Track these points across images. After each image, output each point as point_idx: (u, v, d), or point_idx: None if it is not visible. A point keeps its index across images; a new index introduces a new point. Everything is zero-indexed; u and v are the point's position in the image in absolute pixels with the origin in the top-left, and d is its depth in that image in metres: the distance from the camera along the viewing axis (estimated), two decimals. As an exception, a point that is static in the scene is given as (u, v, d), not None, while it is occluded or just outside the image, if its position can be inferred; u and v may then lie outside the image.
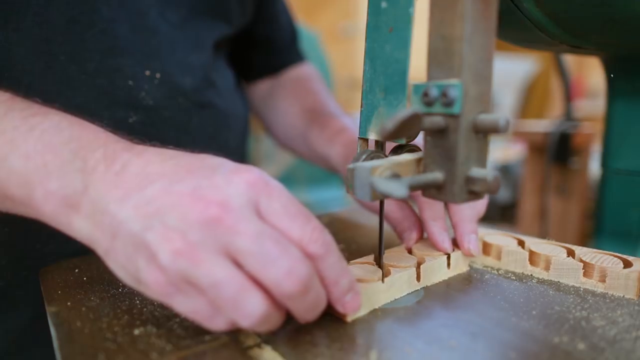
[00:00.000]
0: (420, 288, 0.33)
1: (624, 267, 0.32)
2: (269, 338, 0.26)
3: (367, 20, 0.30)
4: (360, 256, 0.35)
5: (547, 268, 0.34)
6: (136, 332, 0.27)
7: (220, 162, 0.26)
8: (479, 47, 0.25)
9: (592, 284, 0.33)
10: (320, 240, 0.25)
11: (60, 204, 0.27)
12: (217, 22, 0.53)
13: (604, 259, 0.33)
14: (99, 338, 0.26)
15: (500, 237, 0.39)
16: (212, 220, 0.23)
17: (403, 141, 0.30)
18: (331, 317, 0.29)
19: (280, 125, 0.65)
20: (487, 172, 0.25)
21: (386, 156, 0.30)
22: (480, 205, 0.38)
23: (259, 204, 0.25)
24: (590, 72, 2.69)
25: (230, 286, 0.23)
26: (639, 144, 0.46)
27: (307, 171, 1.79)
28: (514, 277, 0.35)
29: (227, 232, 0.23)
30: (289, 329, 0.27)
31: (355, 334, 0.27)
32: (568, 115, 0.90)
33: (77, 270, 0.37)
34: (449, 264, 0.35)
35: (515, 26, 0.40)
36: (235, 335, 0.27)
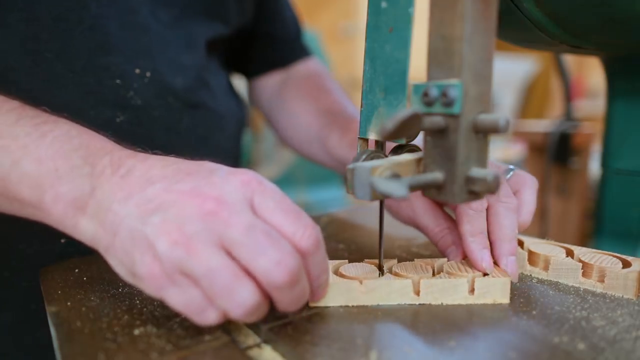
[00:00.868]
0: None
1: (623, 267, 0.32)
2: (269, 338, 0.26)
3: (367, 20, 0.30)
4: (360, 256, 0.35)
5: (546, 268, 0.34)
6: (136, 332, 0.27)
7: (218, 166, 0.28)
8: (479, 47, 0.25)
9: (591, 284, 0.33)
10: (312, 236, 0.26)
11: (69, 206, 0.28)
12: (212, 21, 0.52)
13: (603, 259, 0.33)
14: (99, 338, 0.26)
15: None
16: (208, 213, 0.25)
17: (403, 141, 0.30)
18: (331, 317, 0.29)
19: (292, 127, 0.61)
20: (487, 172, 0.25)
21: (386, 156, 0.30)
22: (522, 221, 0.34)
23: (253, 200, 0.26)
24: (590, 72, 2.69)
25: (223, 274, 0.24)
26: (639, 144, 0.46)
27: (307, 171, 1.79)
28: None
29: (222, 224, 0.24)
30: (289, 329, 0.27)
31: (355, 334, 0.27)
32: (568, 115, 0.90)
33: (77, 270, 0.37)
34: (472, 289, 0.30)
35: (515, 26, 0.40)
36: (235, 335, 0.27)
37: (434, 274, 0.32)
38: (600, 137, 0.51)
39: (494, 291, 0.30)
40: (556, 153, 0.87)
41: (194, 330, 0.27)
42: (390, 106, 0.29)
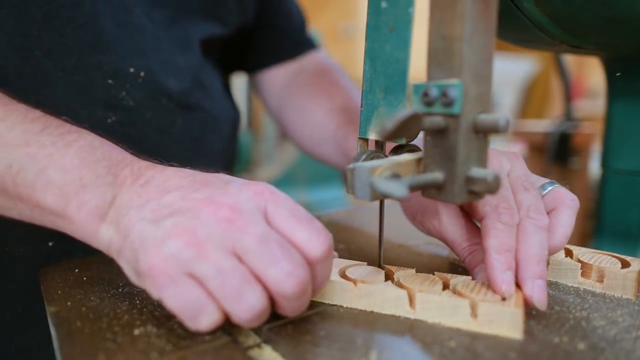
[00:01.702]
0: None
1: (622, 267, 0.32)
2: (269, 338, 0.26)
3: (367, 20, 0.30)
4: (360, 256, 0.35)
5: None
6: (136, 332, 0.27)
7: (233, 178, 0.29)
8: (479, 47, 0.25)
9: (590, 284, 0.33)
10: (323, 245, 0.26)
11: (91, 214, 0.29)
12: (208, 22, 0.51)
13: (602, 259, 0.33)
14: (99, 338, 0.26)
15: None
16: (223, 219, 0.25)
17: (403, 141, 0.30)
18: (331, 317, 0.29)
19: (304, 126, 0.57)
20: (487, 172, 0.25)
21: (386, 156, 0.30)
22: (553, 244, 0.31)
23: (266, 209, 0.27)
24: (590, 72, 2.69)
25: (235, 276, 0.24)
26: (639, 144, 0.46)
27: (307, 171, 1.80)
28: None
29: (236, 232, 0.25)
30: (289, 329, 0.27)
31: (355, 334, 0.27)
32: (568, 115, 0.90)
33: (77, 270, 0.37)
34: (474, 312, 0.27)
35: (515, 26, 0.40)
36: (235, 335, 0.27)
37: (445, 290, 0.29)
38: (600, 137, 0.51)
39: (501, 322, 0.26)
40: (556, 153, 0.87)
41: (194, 330, 0.27)
42: (390, 106, 0.29)
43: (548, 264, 0.34)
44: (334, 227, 0.49)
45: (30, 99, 0.34)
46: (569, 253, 0.35)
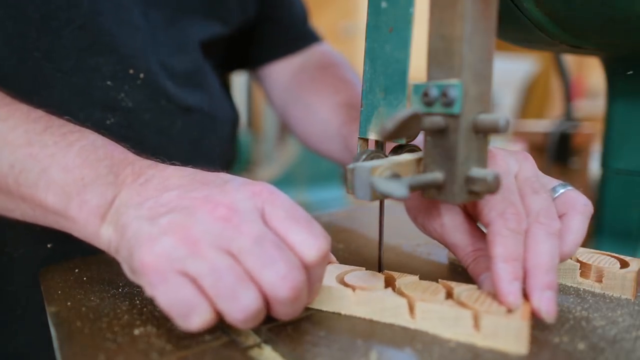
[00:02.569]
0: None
1: (621, 268, 0.32)
2: (269, 338, 0.26)
3: (367, 20, 0.30)
4: (360, 256, 0.35)
5: None
6: (136, 332, 0.27)
7: (233, 177, 0.29)
8: (479, 47, 0.25)
9: (588, 284, 0.33)
10: (320, 249, 0.25)
11: (92, 214, 0.29)
12: (209, 22, 0.50)
13: (600, 259, 0.33)
14: (99, 338, 0.26)
15: None
16: (219, 218, 0.25)
17: (403, 141, 0.30)
18: (331, 317, 0.29)
19: (309, 122, 0.56)
20: (487, 172, 0.25)
21: (386, 156, 0.30)
22: (563, 252, 0.29)
23: (264, 210, 0.26)
24: (590, 72, 2.69)
25: (230, 275, 0.24)
26: (639, 144, 0.46)
27: (307, 171, 1.79)
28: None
29: (232, 231, 0.24)
30: (289, 329, 0.27)
31: (355, 334, 0.27)
32: (568, 115, 0.90)
33: (77, 270, 0.37)
34: (477, 324, 0.25)
35: (515, 26, 0.40)
36: (235, 335, 0.27)
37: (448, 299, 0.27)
38: (600, 137, 0.51)
39: (505, 335, 0.25)
40: (556, 153, 0.88)
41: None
42: (390, 106, 0.29)
43: None
44: (333, 227, 0.49)
45: (29, 101, 0.34)
46: None
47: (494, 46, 0.26)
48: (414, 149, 0.31)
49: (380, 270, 0.33)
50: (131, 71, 0.44)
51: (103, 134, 0.33)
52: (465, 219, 0.31)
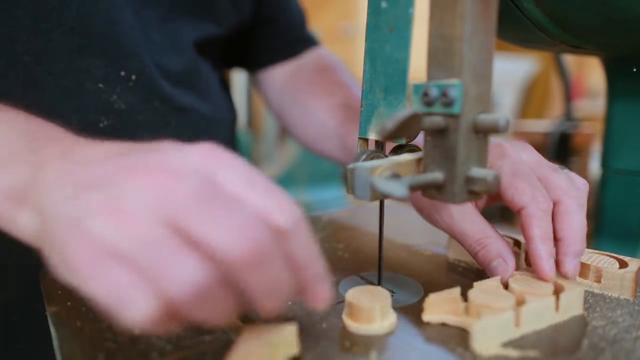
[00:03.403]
0: (422, 288, 0.33)
1: (620, 268, 0.32)
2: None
3: (367, 20, 0.30)
4: (361, 256, 0.35)
5: None
6: (136, 332, 0.27)
7: (175, 144, 0.24)
8: (479, 47, 0.25)
9: (587, 284, 0.33)
10: (288, 212, 0.21)
11: (5, 197, 0.25)
12: (201, 22, 0.50)
13: (599, 259, 0.33)
14: (99, 338, 0.26)
15: None
16: (152, 185, 0.20)
17: (403, 141, 0.30)
18: (332, 315, 0.29)
19: (306, 123, 0.57)
20: (487, 172, 0.25)
21: (386, 156, 0.30)
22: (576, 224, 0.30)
23: (214, 175, 0.21)
24: (590, 72, 2.69)
25: (161, 247, 0.19)
26: (639, 144, 0.46)
27: (307, 171, 1.80)
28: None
29: (166, 196, 0.20)
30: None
31: (355, 334, 0.27)
32: (568, 115, 0.90)
33: (77, 270, 0.37)
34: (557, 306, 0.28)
35: (515, 26, 0.40)
36: (235, 335, 0.27)
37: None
38: (600, 137, 0.51)
39: (574, 304, 0.28)
40: (556, 153, 0.88)
41: (194, 331, 0.27)
42: (390, 106, 0.29)
43: None
44: (334, 227, 0.49)
45: (20, 103, 0.33)
46: None
47: (494, 46, 0.26)
48: (414, 149, 0.31)
49: (380, 270, 0.33)
50: (123, 73, 0.43)
51: (97, 137, 0.32)
52: (472, 208, 0.32)
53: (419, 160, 0.28)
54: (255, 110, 2.25)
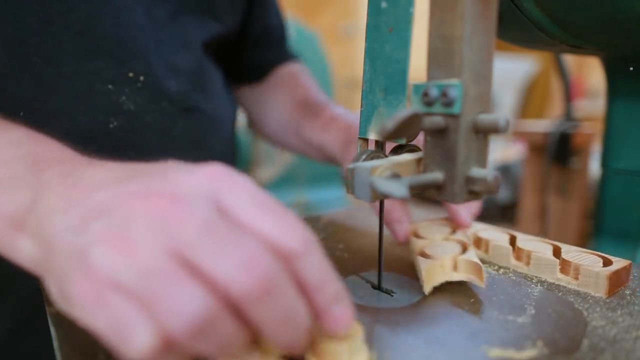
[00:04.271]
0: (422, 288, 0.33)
1: (604, 266, 0.33)
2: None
3: (367, 20, 0.30)
4: (361, 256, 0.35)
5: (528, 263, 0.36)
6: None
7: (180, 165, 0.23)
8: (479, 47, 0.25)
9: (567, 280, 0.33)
10: (298, 234, 0.20)
11: (4, 222, 0.24)
12: (206, 19, 0.51)
13: (584, 258, 0.34)
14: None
15: (494, 232, 0.40)
16: (158, 213, 0.19)
17: (403, 141, 0.30)
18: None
19: (269, 119, 0.64)
20: (487, 172, 0.25)
21: (386, 156, 0.30)
22: None
23: (222, 199, 0.21)
24: (590, 72, 2.69)
25: (163, 277, 0.18)
26: (639, 144, 0.46)
27: (307, 171, 1.79)
28: (513, 277, 0.35)
29: (173, 225, 0.19)
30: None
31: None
32: (568, 115, 0.90)
33: (77, 270, 0.37)
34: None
35: (515, 26, 0.40)
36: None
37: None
38: (600, 137, 0.51)
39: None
40: (556, 153, 0.87)
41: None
42: (390, 106, 0.29)
43: (529, 258, 0.36)
44: (334, 226, 0.49)
45: (31, 106, 0.33)
46: (557, 250, 0.36)
47: (494, 46, 0.26)
48: (414, 149, 0.31)
49: (380, 270, 0.33)
50: (131, 74, 0.44)
51: (106, 138, 0.32)
52: None
53: (419, 160, 0.28)
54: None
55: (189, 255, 0.19)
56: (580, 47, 0.42)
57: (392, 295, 0.32)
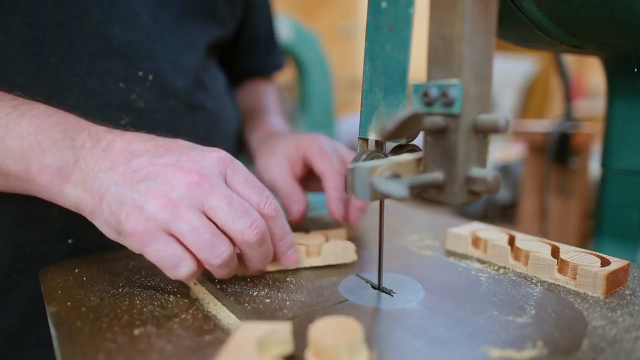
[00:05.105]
0: (421, 288, 0.33)
1: (602, 266, 0.33)
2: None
3: (367, 20, 0.30)
4: (361, 256, 0.35)
5: (526, 263, 0.36)
6: (136, 332, 0.27)
7: (192, 144, 0.34)
8: (479, 47, 0.25)
9: (565, 280, 0.33)
10: (272, 205, 0.32)
11: (54, 175, 0.32)
12: (209, 23, 0.53)
13: (582, 258, 0.34)
14: (99, 338, 0.26)
15: (493, 232, 0.40)
16: (192, 183, 0.30)
17: (403, 141, 0.30)
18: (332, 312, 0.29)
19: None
20: (487, 172, 0.25)
21: (386, 156, 0.30)
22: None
23: (226, 175, 0.32)
24: (590, 72, 2.69)
25: (207, 231, 0.29)
26: (639, 144, 0.46)
27: (307, 171, 1.78)
28: (513, 277, 0.35)
29: (205, 193, 0.30)
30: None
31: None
32: (568, 115, 0.90)
33: (77, 270, 0.37)
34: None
35: (515, 26, 0.40)
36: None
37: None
38: (600, 137, 0.51)
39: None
40: (556, 153, 0.87)
41: (194, 331, 0.27)
42: (390, 106, 0.29)
43: (527, 258, 0.36)
44: (333, 227, 0.49)
45: (47, 103, 0.36)
46: (555, 250, 0.36)
47: (494, 46, 0.26)
48: (414, 149, 0.31)
49: (380, 270, 0.33)
50: (140, 73, 0.46)
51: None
52: (281, 163, 0.47)
53: (419, 160, 0.28)
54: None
55: (215, 216, 0.30)
56: (580, 47, 0.42)
57: (392, 295, 0.32)
